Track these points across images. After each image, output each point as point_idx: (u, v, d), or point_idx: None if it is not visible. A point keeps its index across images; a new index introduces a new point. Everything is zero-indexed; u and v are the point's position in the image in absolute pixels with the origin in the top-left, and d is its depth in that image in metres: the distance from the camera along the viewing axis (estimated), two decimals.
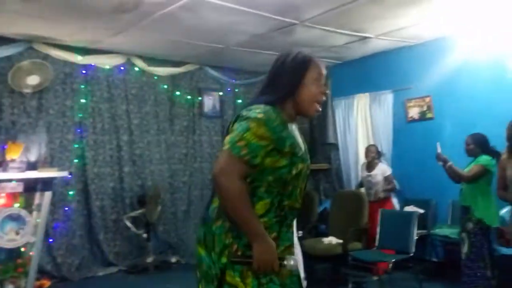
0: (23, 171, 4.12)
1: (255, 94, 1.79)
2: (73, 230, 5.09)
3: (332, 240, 4.68)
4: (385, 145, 5.75)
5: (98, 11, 3.95)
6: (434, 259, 5.22)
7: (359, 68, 6.14)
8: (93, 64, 5.29)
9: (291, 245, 1.72)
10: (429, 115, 5.41)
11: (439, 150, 3.85)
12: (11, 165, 4.16)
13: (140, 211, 5.30)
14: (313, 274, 4.93)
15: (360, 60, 6.09)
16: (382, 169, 5.22)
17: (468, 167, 3.74)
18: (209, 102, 6.31)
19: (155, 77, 5.81)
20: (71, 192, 5.09)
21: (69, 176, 4.87)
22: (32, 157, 4.75)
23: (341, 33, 4.90)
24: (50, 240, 4.88)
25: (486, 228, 3.58)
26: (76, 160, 5.16)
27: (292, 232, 1.77)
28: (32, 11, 3.91)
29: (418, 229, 4.38)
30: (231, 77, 6.50)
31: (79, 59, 5.15)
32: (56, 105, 5.04)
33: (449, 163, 3.76)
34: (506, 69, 4.69)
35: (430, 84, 5.33)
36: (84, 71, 5.25)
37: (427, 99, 5.41)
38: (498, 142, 3.63)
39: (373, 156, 5.26)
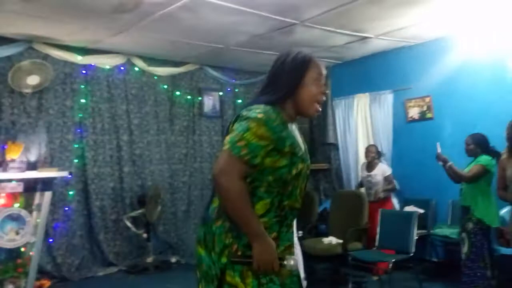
0: (23, 171, 4.12)
1: (255, 94, 1.79)
2: (73, 230, 5.09)
3: (332, 240, 4.68)
4: (385, 145, 5.75)
5: (98, 11, 3.95)
6: (434, 259, 5.23)
7: (359, 68, 6.15)
8: (93, 64, 5.29)
9: (291, 245, 1.72)
10: (429, 115, 5.42)
11: (439, 150, 3.85)
12: (11, 165, 4.16)
13: (140, 211, 5.30)
14: (313, 274, 4.94)
15: (360, 60, 6.09)
16: (382, 169, 5.21)
17: (468, 167, 3.74)
18: (209, 102, 6.31)
19: (155, 77, 5.82)
20: (71, 192, 5.09)
21: (69, 176, 4.87)
22: (32, 157, 4.75)
23: (341, 33, 4.90)
24: (50, 240, 4.88)
25: (486, 228, 3.58)
26: (76, 160, 5.16)
27: (292, 232, 1.77)
28: (32, 11, 3.91)
29: (418, 229, 4.38)
30: (231, 77, 6.50)
31: (79, 59, 5.15)
32: (56, 105, 5.04)
33: (449, 163, 3.76)
34: (506, 69, 4.69)
35: (430, 84, 5.33)
36: (84, 71, 5.25)
37: (427, 99, 5.42)
38: (498, 142, 3.63)
39: (373, 156, 5.26)
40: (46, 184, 4.23)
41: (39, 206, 4.17)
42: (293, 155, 1.62)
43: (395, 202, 5.45)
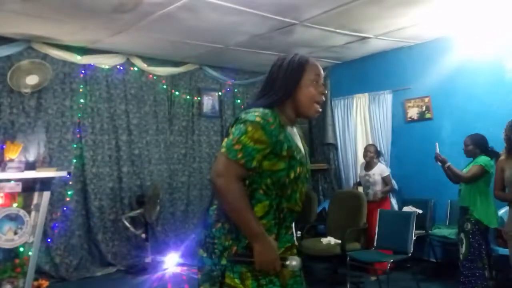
0: (21, 171, 4.11)
1: (254, 97, 1.79)
2: (72, 230, 5.08)
3: (330, 240, 4.68)
4: (384, 145, 5.76)
5: (98, 11, 3.95)
6: (432, 259, 5.23)
7: (358, 68, 6.15)
8: (92, 64, 5.29)
9: (292, 246, 1.73)
10: (428, 115, 5.42)
11: (437, 150, 3.86)
12: (9, 165, 4.15)
13: (138, 211, 5.30)
14: (311, 274, 4.94)
15: (359, 60, 6.10)
16: (381, 169, 5.21)
17: (467, 168, 3.75)
18: (208, 102, 6.31)
19: (154, 77, 5.82)
20: (69, 192, 5.09)
21: (68, 176, 4.86)
22: (31, 157, 4.75)
23: (340, 33, 4.91)
24: (49, 240, 4.87)
25: (484, 228, 3.59)
26: (74, 160, 5.15)
27: (292, 234, 1.77)
28: (32, 10, 3.91)
29: (417, 229, 4.38)
30: (230, 77, 6.50)
31: (78, 59, 5.14)
32: (55, 105, 5.03)
33: (448, 164, 3.76)
34: (505, 70, 4.70)
35: (429, 85, 5.34)
36: (83, 71, 5.25)
37: (426, 99, 5.42)
38: (497, 142, 3.63)
39: (372, 155, 5.26)
40: (44, 184, 4.22)
41: (37, 206, 4.17)
42: (291, 158, 1.62)
43: (393, 202, 5.46)
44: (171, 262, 5.33)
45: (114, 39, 4.83)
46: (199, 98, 6.22)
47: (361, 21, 4.54)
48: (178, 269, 5.22)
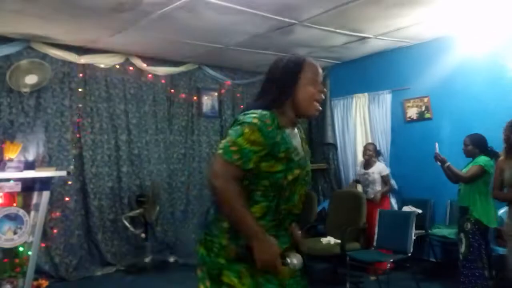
0: (21, 170, 4.11)
1: (253, 98, 1.80)
2: (71, 230, 5.08)
3: (330, 240, 4.68)
4: (383, 145, 5.76)
5: (97, 10, 3.94)
6: (432, 259, 5.23)
7: (357, 68, 6.15)
8: (91, 63, 5.28)
9: (291, 248, 1.73)
10: (427, 115, 5.42)
11: (437, 150, 3.86)
12: (9, 164, 4.15)
13: (138, 211, 5.30)
14: (311, 274, 4.94)
15: (359, 60, 6.10)
16: (380, 168, 5.22)
17: (466, 168, 3.75)
18: (208, 102, 6.31)
19: (154, 77, 5.81)
20: (69, 192, 5.07)
21: (67, 175, 4.86)
22: (30, 157, 4.74)
23: (340, 33, 4.91)
24: (48, 240, 4.86)
25: (484, 228, 3.59)
26: (74, 160, 5.15)
27: (290, 235, 1.77)
28: (31, 10, 3.90)
29: (416, 229, 4.38)
30: (230, 77, 6.50)
31: (77, 58, 5.14)
32: (54, 104, 5.03)
33: (447, 163, 3.76)
34: (505, 70, 4.70)
35: (428, 84, 5.34)
36: (82, 71, 5.24)
37: (426, 99, 5.42)
38: (496, 142, 3.63)
39: (371, 154, 5.27)
40: (44, 183, 4.22)
41: (37, 205, 4.17)
42: (289, 160, 1.62)
43: (393, 202, 5.46)
44: (171, 262, 5.33)
45: (114, 38, 4.82)
46: (198, 98, 6.21)
47: (361, 21, 4.55)
48: (177, 269, 5.23)
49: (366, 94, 6.01)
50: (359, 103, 6.09)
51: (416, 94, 5.50)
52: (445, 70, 5.15)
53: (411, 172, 5.42)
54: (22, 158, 4.58)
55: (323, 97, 1.76)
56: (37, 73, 4.67)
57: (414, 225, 4.25)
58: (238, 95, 6.60)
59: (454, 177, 3.80)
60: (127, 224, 5.22)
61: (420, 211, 4.90)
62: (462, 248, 3.64)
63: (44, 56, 4.89)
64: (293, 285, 1.66)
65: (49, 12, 3.98)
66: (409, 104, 5.59)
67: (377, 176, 5.18)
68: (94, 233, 5.24)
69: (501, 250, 3.90)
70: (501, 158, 3.40)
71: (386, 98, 5.79)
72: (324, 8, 4.11)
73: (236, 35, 4.86)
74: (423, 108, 5.46)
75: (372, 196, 5.13)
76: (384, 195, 5.21)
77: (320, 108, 1.75)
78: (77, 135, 5.20)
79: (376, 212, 4.69)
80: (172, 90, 5.98)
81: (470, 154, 3.79)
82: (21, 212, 4.03)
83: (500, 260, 3.72)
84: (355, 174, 5.94)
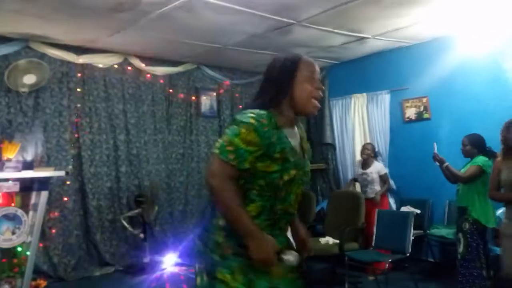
0: (19, 170, 4.11)
1: (252, 98, 1.81)
2: (70, 230, 5.07)
3: (328, 240, 4.68)
4: (382, 145, 5.77)
5: (96, 10, 3.94)
6: (430, 259, 5.24)
7: (356, 68, 6.16)
8: (90, 63, 5.28)
9: (286, 247, 1.74)
10: (426, 116, 5.43)
11: (435, 151, 3.86)
12: (7, 164, 4.15)
13: (136, 211, 5.29)
14: (309, 274, 4.94)
15: (357, 60, 6.10)
16: (378, 168, 5.24)
17: (464, 168, 3.76)
18: (207, 102, 6.31)
19: (152, 77, 5.81)
20: (67, 192, 5.07)
21: (66, 175, 4.86)
22: (29, 157, 4.74)
23: (338, 33, 4.91)
24: (46, 240, 4.85)
25: (482, 228, 3.59)
26: (72, 160, 5.14)
27: (286, 236, 1.79)
28: (31, 10, 3.90)
29: (415, 229, 4.39)
30: (228, 77, 6.50)
31: (76, 58, 5.13)
32: (52, 104, 5.02)
33: (446, 164, 3.77)
34: (503, 70, 4.71)
35: (427, 85, 5.35)
36: (81, 71, 5.23)
37: (424, 100, 5.43)
38: (495, 143, 3.64)
39: (369, 153, 5.28)
40: (42, 183, 4.21)
41: (35, 205, 4.16)
42: (284, 161, 1.63)
43: (391, 202, 5.46)
44: (169, 262, 5.33)
45: (112, 38, 4.82)
46: (197, 98, 6.21)
47: (359, 21, 4.55)
48: (176, 269, 5.22)
49: (364, 94, 6.01)
50: (358, 103, 6.10)
51: (414, 94, 5.51)
52: (444, 70, 5.16)
53: (410, 172, 5.43)
54: (21, 158, 4.57)
55: (321, 94, 1.76)
56: (35, 73, 4.66)
57: (412, 225, 4.25)
58: (237, 95, 6.60)
59: (452, 177, 3.80)
60: (125, 224, 5.22)
61: (418, 211, 4.91)
62: (460, 248, 3.64)
63: (43, 56, 4.89)
64: (285, 284, 1.66)
65: (49, 12, 3.98)
66: (407, 104, 5.60)
67: (375, 176, 5.20)
68: (93, 233, 5.23)
69: (499, 250, 3.89)
70: (498, 158, 3.40)
71: (385, 98, 5.80)
72: (322, 8, 4.11)
73: (234, 35, 4.86)
74: (422, 109, 5.47)
75: (371, 195, 5.14)
76: (383, 195, 5.22)
77: (319, 105, 1.75)
78: (76, 135, 5.19)
79: (375, 212, 4.69)
80: (171, 90, 5.98)
81: (469, 154, 3.80)
82: (20, 212, 4.02)
83: (498, 260, 3.72)
84: (353, 174, 5.95)
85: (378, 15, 4.38)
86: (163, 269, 5.24)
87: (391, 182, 5.40)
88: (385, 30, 4.90)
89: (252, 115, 1.60)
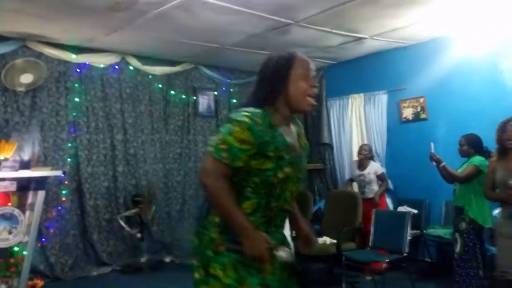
0: (16, 170, 4.09)
1: (247, 97, 1.81)
2: (67, 229, 5.06)
3: (326, 240, 4.69)
4: (379, 145, 5.78)
5: (93, 9, 3.93)
6: (427, 259, 5.25)
7: (353, 68, 6.16)
8: (87, 62, 5.27)
9: (282, 244, 1.74)
10: (423, 116, 5.44)
11: (432, 150, 3.87)
12: (4, 164, 4.14)
13: (134, 210, 5.29)
14: (307, 274, 4.94)
15: (355, 61, 6.11)
16: (375, 168, 5.25)
17: (461, 168, 3.77)
18: (204, 101, 6.30)
19: (150, 76, 5.80)
20: (64, 192, 5.06)
21: (63, 175, 4.85)
22: (26, 156, 4.73)
23: (336, 34, 4.92)
24: (43, 239, 4.84)
25: (479, 228, 3.61)
26: (69, 159, 5.13)
27: (282, 233, 1.79)
28: (27, 9, 3.89)
29: (412, 229, 4.40)
30: (226, 77, 6.50)
31: (73, 57, 5.12)
32: (49, 103, 5.01)
33: (443, 164, 3.78)
34: (501, 70, 4.73)
35: (424, 85, 5.36)
36: (78, 70, 5.23)
37: (421, 100, 5.44)
38: (492, 143, 3.63)
39: (366, 154, 5.29)
40: (39, 183, 4.21)
41: (32, 205, 4.15)
42: (279, 158, 1.63)
43: (388, 202, 5.47)
44: (167, 262, 5.33)
45: (110, 38, 4.81)
46: (194, 98, 6.21)
47: (357, 21, 4.56)
48: (173, 269, 5.22)
49: (362, 94, 6.02)
50: (355, 103, 6.11)
51: (412, 94, 5.52)
52: (441, 70, 5.17)
53: (407, 172, 5.44)
54: (17, 158, 4.56)
55: (316, 91, 1.75)
56: (32, 72, 4.65)
57: (409, 225, 4.26)
58: (235, 95, 6.59)
59: (449, 177, 3.81)
60: (123, 224, 5.21)
61: (415, 211, 4.92)
62: (457, 248, 3.65)
63: (40, 55, 4.87)
64: (277, 281, 1.66)
65: (46, 11, 3.97)
66: (405, 105, 5.61)
67: (373, 176, 5.21)
68: (90, 233, 5.22)
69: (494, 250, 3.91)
70: (493, 158, 3.41)
71: (382, 98, 5.81)
72: (320, 9, 4.12)
73: (232, 35, 4.86)
74: (419, 109, 5.48)
75: (369, 195, 5.15)
76: (381, 194, 5.22)
77: (314, 103, 1.75)
78: (73, 135, 5.18)
79: (372, 211, 4.70)
80: (168, 90, 5.97)
81: (465, 154, 3.81)
82: (16, 211, 4.01)
83: (494, 259, 3.73)
84: (350, 174, 5.96)
85: (376, 16, 4.39)
86: (161, 269, 5.24)
87: (389, 182, 5.40)
88: (382, 31, 4.91)
89: (246, 113, 1.61)
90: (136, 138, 5.65)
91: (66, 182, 5.07)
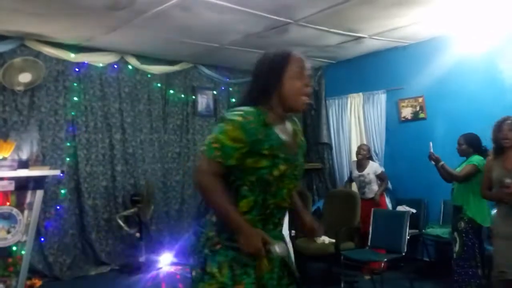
0: (14, 169, 4.09)
1: (241, 96, 1.82)
2: (65, 229, 5.05)
3: (324, 239, 4.68)
4: (378, 145, 5.79)
5: (92, 8, 3.93)
6: (426, 259, 5.25)
7: (352, 68, 6.16)
8: (86, 62, 5.26)
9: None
10: (421, 115, 5.45)
11: (431, 150, 3.87)
12: (2, 163, 4.13)
13: (132, 210, 5.28)
14: (305, 273, 4.94)
15: (354, 60, 6.11)
16: (374, 168, 5.25)
17: (460, 167, 3.77)
18: (203, 101, 6.30)
19: (149, 76, 5.79)
20: (63, 191, 5.05)
21: (61, 174, 4.84)
22: (24, 155, 4.72)
23: (335, 33, 4.92)
24: (42, 239, 4.84)
25: (477, 227, 3.61)
26: (68, 159, 5.12)
27: (280, 231, 1.79)
28: (26, 8, 3.88)
29: (410, 228, 4.40)
30: (225, 76, 6.49)
31: (71, 56, 5.11)
32: (48, 103, 5.00)
33: (441, 163, 3.78)
34: (499, 69, 4.73)
35: (423, 84, 5.36)
36: (76, 69, 5.22)
37: (420, 99, 5.45)
38: (490, 142, 3.64)
39: (364, 154, 5.29)
40: (37, 182, 4.20)
41: (30, 204, 4.14)
42: (274, 157, 1.63)
43: (387, 201, 5.47)
44: (165, 261, 5.32)
45: (108, 37, 4.80)
46: (193, 97, 6.20)
47: (356, 21, 4.56)
48: (172, 269, 5.21)
49: (360, 94, 6.02)
50: (354, 102, 6.11)
51: (410, 94, 5.53)
52: (440, 70, 5.17)
53: (405, 171, 5.45)
54: (16, 157, 4.55)
55: (310, 90, 1.75)
56: (30, 71, 4.64)
57: (408, 224, 4.26)
58: (233, 94, 6.59)
59: (448, 177, 3.81)
60: (121, 223, 5.20)
61: (414, 210, 4.92)
62: (456, 247, 3.66)
63: (38, 54, 4.87)
64: (269, 280, 1.67)
65: (46, 10, 3.96)
66: (403, 104, 5.61)
67: (372, 177, 5.21)
68: (88, 233, 5.21)
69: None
70: (490, 157, 3.41)
71: (381, 98, 5.81)
72: (319, 8, 4.12)
73: (231, 34, 4.86)
74: (418, 108, 5.48)
75: (370, 196, 5.15)
76: (381, 194, 5.22)
77: (308, 101, 1.74)
78: (71, 134, 5.17)
79: (371, 211, 4.70)
80: (167, 89, 5.96)
81: (464, 154, 3.81)
82: (15, 211, 4.01)
83: (493, 259, 3.74)
84: (349, 173, 5.96)
85: (375, 15, 4.39)
86: (159, 268, 5.24)
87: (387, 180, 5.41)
88: (381, 30, 4.91)
89: (239, 112, 1.62)
90: (135, 138, 5.65)
91: (65, 182, 5.06)
